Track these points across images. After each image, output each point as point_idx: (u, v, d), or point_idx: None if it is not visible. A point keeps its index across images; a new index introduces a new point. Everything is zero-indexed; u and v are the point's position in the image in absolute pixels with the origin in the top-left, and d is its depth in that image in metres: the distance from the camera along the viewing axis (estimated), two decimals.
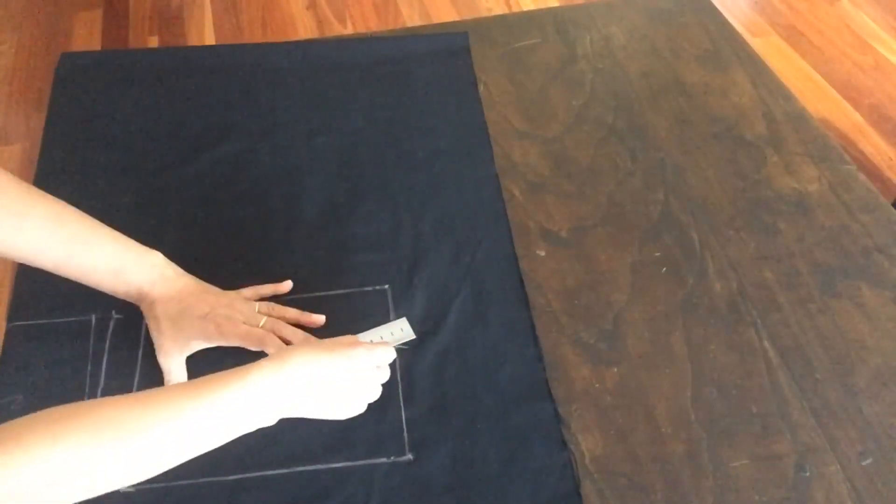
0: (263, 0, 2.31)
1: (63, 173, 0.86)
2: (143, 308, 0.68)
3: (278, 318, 0.71)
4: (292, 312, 0.72)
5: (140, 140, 0.90)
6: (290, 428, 0.65)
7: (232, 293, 0.72)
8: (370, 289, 0.76)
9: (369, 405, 0.66)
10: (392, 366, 0.70)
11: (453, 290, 0.76)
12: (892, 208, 0.85)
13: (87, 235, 0.66)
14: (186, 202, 0.83)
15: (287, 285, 0.75)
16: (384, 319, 0.73)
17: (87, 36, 2.18)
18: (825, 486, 0.64)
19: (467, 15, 2.25)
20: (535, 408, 0.68)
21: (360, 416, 0.66)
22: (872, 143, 1.88)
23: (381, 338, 0.72)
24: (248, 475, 0.63)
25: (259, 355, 0.67)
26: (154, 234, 0.79)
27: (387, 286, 0.76)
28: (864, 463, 0.65)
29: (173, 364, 0.67)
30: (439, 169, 0.88)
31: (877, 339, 0.74)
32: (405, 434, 0.66)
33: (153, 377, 0.68)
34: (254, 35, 2.18)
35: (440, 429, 0.66)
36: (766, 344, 0.73)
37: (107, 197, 0.83)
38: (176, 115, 0.93)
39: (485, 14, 2.23)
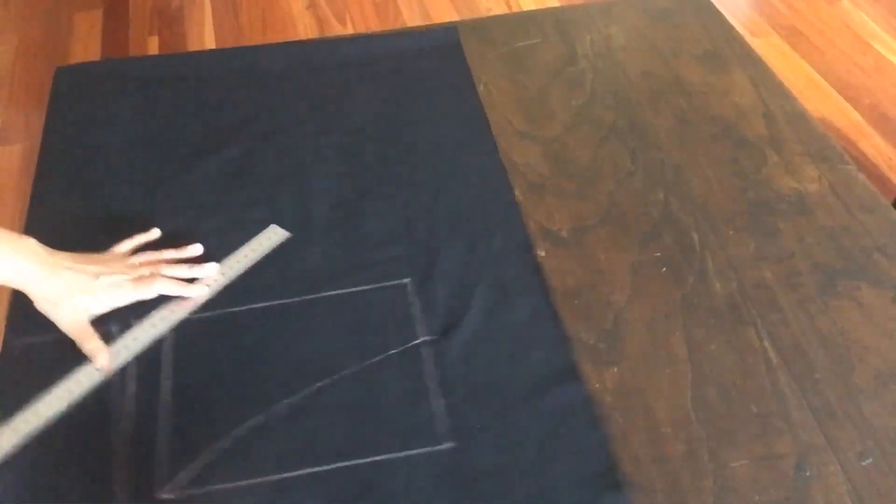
0: (263, 0, 2.31)
1: (63, 188, 0.85)
2: (30, 291, 0.69)
3: (156, 262, 0.74)
4: (169, 253, 0.75)
5: (141, 149, 0.89)
6: (329, 424, 0.66)
7: (107, 255, 0.74)
8: (390, 284, 0.76)
9: (403, 397, 0.67)
10: (421, 357, 0.71)
11: (473, 280, 0.77)
12: (892, 208, 0.85)
13: None
14: (195, 208, 0.83)
15: (155, 232, 0.78)
16: (406, 314, 0.74)
17: (87, 36, 2.18)
18: (825, 486, 0.63)
19: (467, 15, 2.25)
20: (566, 390, 0.69)
21: (396, 407, 0.67)
22: (872, 143, 1.88)
23: (261, 244, 0.78)
24: (289, 474, 0.63)
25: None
26: (165, 243, 0.79)
27: (406, 280, 0.76)
28: (864, 463, 0.65)
29: (80, 327, 0.69)
30: (444, 163, 0.89)
31: (877, 339, 0.74)
32: (442, 422, 0.66)
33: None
34: (254, 35, 2.18)
35: (476, 416, 0.67)
36: (766, 344, 0.73)
37: (111, 208, 0.83)
38: (176, 122, 0.92)
39: (485, 14, 2.23)
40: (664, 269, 0.79)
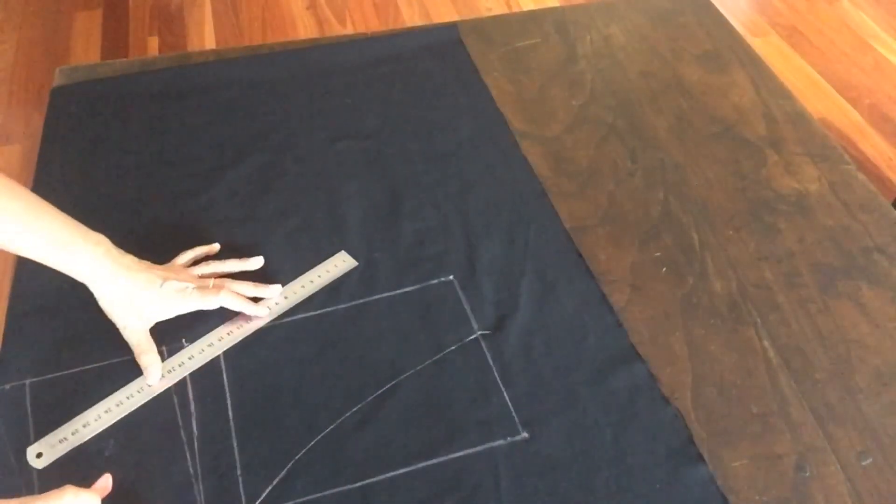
0: (263, 0, 2.31)
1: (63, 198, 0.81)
2: (95, 289, 0.68)
3: (220, 274, 0.74)
4: (232, 264, 0.75)
5: (151, 169, 0.87)
6: (404, 425, 0.66)
7: (171, 265, 0.73)
8: (436, 281, 0.77)
9: (472, 391, 0.68)
10: (483, 350, 0.71)
11: (517, 272, 0.77)
12: (892, 208, 0.85)
13: (35, 210, 0.66)
14: (224, 221, 0.82)
15: (216, 246, 0.78)
16: (458, 309, 0.74)
17: (87, 36, 2.18)
18: (825, 486, 0.64)
19: (467, 15, 2.25)
20: (628, 371, 0.70)
21: (467, 401, 0.67)
22: (872, 143, 1.88)
23: (328, 271, 0.76)
24: (373, 479, 0.63)
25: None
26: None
27: (451, 277, 0.77)
28: (864, 463, 0.65)
29: (141, 337, 0.69)
30: (468, 158, 0.89)
31: (877, 339, 0.74)
32: (514, 414, 0.67)
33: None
34: (254, 35, 2.19)
35: (545, 404, 0.67)
36: (766, 344, 0.73)
37: (125, 233, 0.79)
38: (185, 138, 0.90)
39: (485, 14, 2.23)
40: (664, 269, 0.79)
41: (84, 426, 0.65)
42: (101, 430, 0.65)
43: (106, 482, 0.60)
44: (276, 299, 0.74)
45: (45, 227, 0.66)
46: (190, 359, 0.69)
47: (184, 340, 0.71)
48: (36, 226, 0.66)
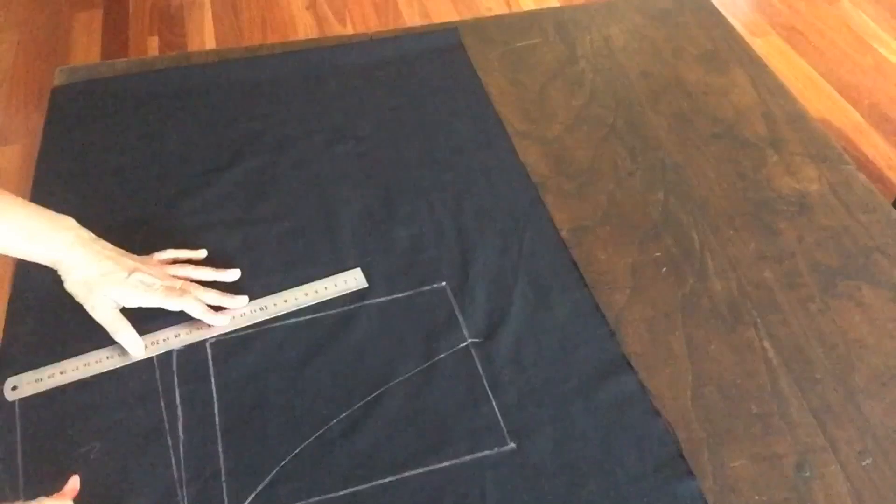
0: (263, 0, 2.31)
1: (62, 200, 0.81)
2: (62, 272, 0.69)
3: (192, 279, 0.74)
4: (206, 272, 0.75)
5: (148, 169, 0.87)
6: (391, 433, 0.65)
7: (145, 257, 0.74)
8: (428, 288, 0.76)
9: (461, 400, 0.67)
10: (473, 358, 0.71)
11: (510, 280, 0.77)
12: (892, 208, 0.85)
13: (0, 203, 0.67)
14: (217, 224, 0.81)
15: (202, 252, 0.78)
16: (450, 317, 0.74)
17: (87, 36, 2.18)
18: (825, 486, 0.64)
19: (467, 15, 2.25)
20: (619, 382, 0.69)
21: (455, 410, 0.67)
22: (872, 143, 1.88)
23: (335, 285, 0.75)
24: (359, 487, 0.62)
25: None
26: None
27: (444, 283, 0.76)
28: (864, 463, 0.65)
29: (111, 316, 0.69)
30: (464, 164, 0.89)
31: (877, 339, 0.74)
32: (502, 424, 0.66)
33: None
34: (254, 35, 2.18)
35: (534, 415, 0.67)
36: (766, 344, 0.73)
37: (120, 234, 0.77)
38: (183, 139, 0.90)
39: (485, 14, 2.23)
40: (664, 269, 0.79)
41: (61, 373, 0.67)
42: (74, 380, 0.67)
43: (74, 483, 0.60)
44: (274, 300, 0.74)
45: (12, 219, 0.67)
46: (176, 336, 0.70)
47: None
48: (2, 218, 0.67)
